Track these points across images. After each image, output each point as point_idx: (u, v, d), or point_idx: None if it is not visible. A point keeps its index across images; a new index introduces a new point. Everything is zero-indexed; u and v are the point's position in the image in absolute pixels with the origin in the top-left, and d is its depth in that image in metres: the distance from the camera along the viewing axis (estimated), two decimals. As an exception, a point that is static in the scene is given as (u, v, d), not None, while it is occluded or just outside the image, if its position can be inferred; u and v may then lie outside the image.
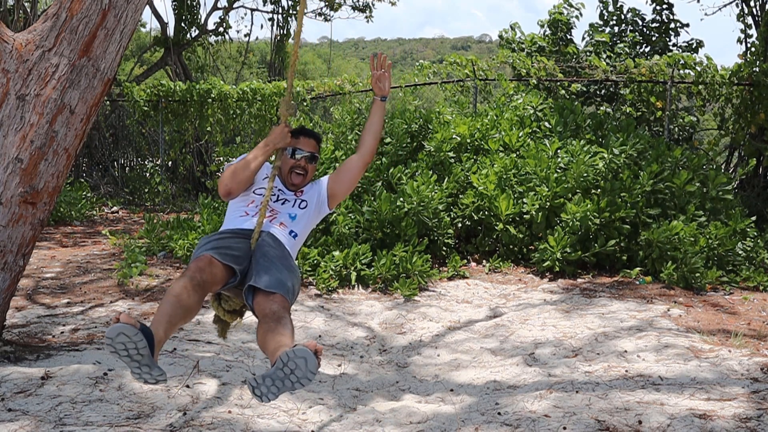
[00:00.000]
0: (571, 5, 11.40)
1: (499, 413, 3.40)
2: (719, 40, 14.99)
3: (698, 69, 9.15)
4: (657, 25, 11.04)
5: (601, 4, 11.40)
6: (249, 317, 5.07)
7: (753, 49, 9.50)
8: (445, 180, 7.42)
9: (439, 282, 6.53)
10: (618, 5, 11.29)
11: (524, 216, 7.09)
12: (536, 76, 10.04)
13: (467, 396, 3.75)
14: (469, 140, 7.94)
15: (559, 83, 10.26)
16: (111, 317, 2.74)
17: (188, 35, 15.95)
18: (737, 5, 10.23)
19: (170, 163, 13.67)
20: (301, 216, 3.09)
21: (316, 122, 10.93)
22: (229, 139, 13.91)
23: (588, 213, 6.59)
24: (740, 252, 6.48)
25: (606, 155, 7.08)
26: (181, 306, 2.48)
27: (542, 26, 11.49)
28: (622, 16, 11.24)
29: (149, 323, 2.37)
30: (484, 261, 7.28)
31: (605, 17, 11.37)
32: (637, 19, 11.20)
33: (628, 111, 9.94)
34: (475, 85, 10.34)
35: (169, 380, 3.72)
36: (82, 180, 12.85)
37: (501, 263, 7.03)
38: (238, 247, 2.81)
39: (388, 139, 7.85)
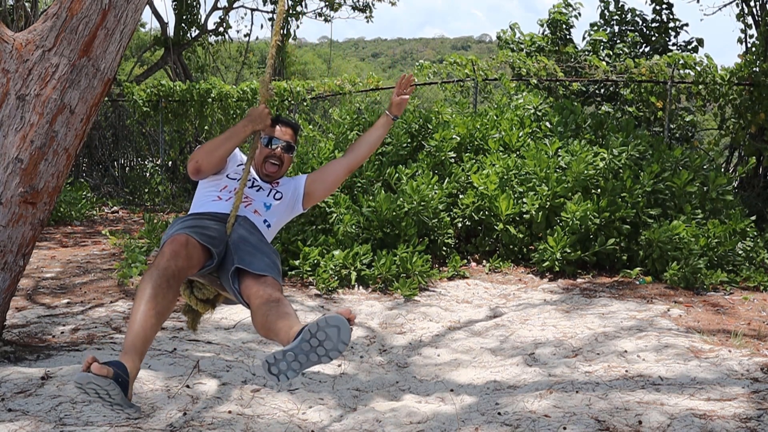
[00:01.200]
0: (570, 5, 11.41)
1: (499, 413, 3.40)
2: (719, 40, 14.99)
3: (698, 69, 9.15)
4: (657, 25, 11.04)
5: (602, 4, 11.41)
6: (245, 317, 5.07)
7: (753, 49, 9.50)
8: (445, 180, 7.42)
9: (439, 282, 6.53)
10: (619, 5, 11.30)
11: (524, 216, 7.09)
12: (536, 76, 10.04)
13: (467, 396, 3.75)
14: (469, 140, 7.94)
15: (559, 83, 10.26)
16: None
17: (188, 35, 15.96)
18: (737, 5, 10.23)
19: (170, 163, 13.67)
20: (276, 207, 2.97)
21: (317, 121, 10.93)
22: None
23: (588, 213, 6.59)
24: (740, 252, 6.48)
25: (606, 155, 7.08)
26: (157, 313, 2.32)
27: (542, 26, 11.49)
28: (623, 16, 11.24)
29: (120, 352, 2.24)
30: (484, 261, 7.28)
31: (606, 17, 11.37)
32: (637, 18, 11.20)
33: (628, 111, 9.94)
34: (475, 85, 10.35)
35: (169, 380, 3.72)
36: (82, 180, 12.86)
37: (501, 263, 7.03)
38: (214, 228, 2.65)
39: (388, 139, 7.85)
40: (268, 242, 2.81)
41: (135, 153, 14.54)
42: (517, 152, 7.69)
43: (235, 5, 16.70)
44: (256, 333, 4.81)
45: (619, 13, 11.27)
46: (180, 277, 2.45)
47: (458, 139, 7.86)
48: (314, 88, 12.43)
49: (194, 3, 15.82)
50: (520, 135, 7.79)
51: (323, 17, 17.07)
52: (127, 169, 14.50)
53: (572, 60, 10.60)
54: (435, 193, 6.95)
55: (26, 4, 12.58)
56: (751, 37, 9.95)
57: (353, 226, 6.72)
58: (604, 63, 9.94)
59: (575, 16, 11.42)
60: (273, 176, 3.00)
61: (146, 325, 2.28)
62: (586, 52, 10.85)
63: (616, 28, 11.31)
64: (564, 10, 11.33)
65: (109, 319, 5.03)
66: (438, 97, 12.38)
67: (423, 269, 6.34)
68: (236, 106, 12.78)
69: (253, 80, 14.77)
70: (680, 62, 9.23)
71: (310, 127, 10.10)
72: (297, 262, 6.42)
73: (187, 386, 3.65)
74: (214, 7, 16.54)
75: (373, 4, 16.78)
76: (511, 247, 7.15)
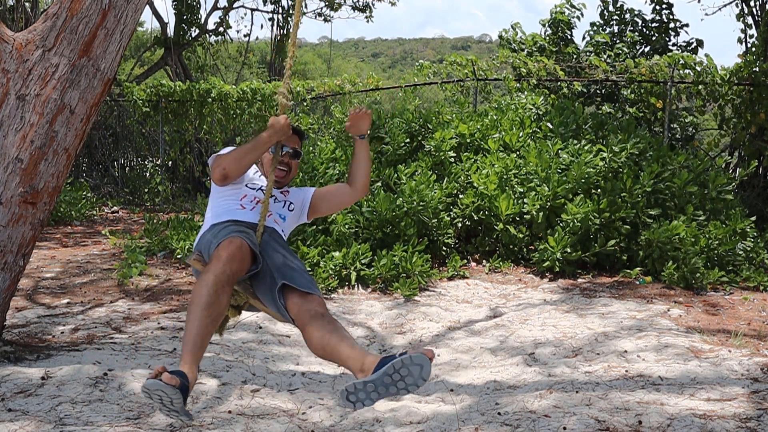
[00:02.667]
0: (572, 6, 11.41)
1: (499, 413, 3.40)
2: (719, 40, 14.99)
3: (698, 69, 9.15)
4: (657, 25, 11.05)
5: (602, 4, 11.41)
6: (245, 317, 5.08)
7: (753, 49, 9.50)
8: (445, 180, 7.42)
9: (439, 282, 6.53)
10: (618, 5, 11.30)
11: (524, 216, 7.09)
12: (537, 76, 10.04)
13: (467, 396, 3.75)
14: (469, 140, 7.94)
15: (559, 83, 10.26)
16: (152, 370, 2.67)
17: (188, 35, 15.96)
18: (737, 5, 10.24)
19: (170, 163, 13.67)
20: (289, 218, 3.06)
21: (317, 120, 10.93)
22: (229, 139, 13.91)
23: (588, 213, 6.59)
24: (740, 252, 6.48)
25: (606, 154, 7.08)
26: (213, 320, 2.42)
27: (543, 26, 11.49)
28: (623, 16, 11.25)
29: (180, 360, 2.36)
30: (484, 261, 7.28)
31: (606, 17, 11.38)
32: (637, 18, 11.21)
33: (629, 111, 9.95)
34: (475, 86, 10.35)
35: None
36: (82, 180, 12.85)
37: (501, 263, 7.03)
38: (254, 235, 2.72)
39: (388, 139, 7.86)
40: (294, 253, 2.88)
41: (135, 153, 14.54)
42: (518, 152, 7.69)
43: (235, 5, 16.70)
44: (256, 333, 4.82)
45: (618, 13, 11.27)
46: (234, 281, 2.51)
47: (458, 139, 7.86)
48: (314, 88, 12.43)
49: (194, 3, 15.83)
50: (521, 135, 7.79)
51: (323, 17, 17.08)
52: (127, 169, 14.50)
53: (573, 60, 10.61)
54: (434, 193, 6.95)
55: (26, 4, 12.58)
56: (751, 37, 9.95)
57: (346, 226, 6.72)
58: (604, 63, 9.94)
59: (577, 17, 11.43)
60: (281, 182, 3.05)
61: (204, 332, 2.38)
62: (587, 53, 10.86)
63: (616, 28, 11.32)
64: (566, 10, 11.33)
65: (109, 319, 5.03)
66: (438, 97, 12.38)
67: (423, 269, 6.34)
68: (236, 106, 12.78)
69: (253, 80, 14.76)
70: (680, 62, 9.23)
71: (310, 120, 10.10)
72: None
73: (187, 386, 3.65)
74: (214, 7, 16.54)
75: (373, 4, 16.79)
76: (511, 247, 7.14)
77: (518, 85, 9.74)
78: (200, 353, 2.38)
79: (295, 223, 3.12)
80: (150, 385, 2.18)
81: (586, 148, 7.16)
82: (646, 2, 11.06)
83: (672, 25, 10.97)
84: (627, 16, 11.23)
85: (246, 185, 3.02)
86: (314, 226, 6.91)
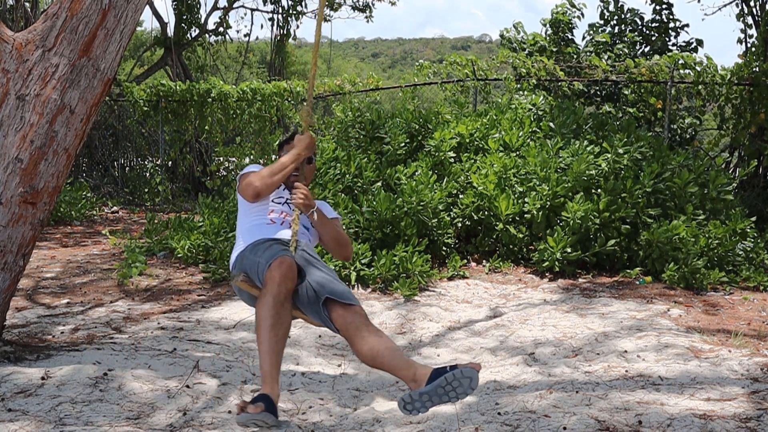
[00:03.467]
0: (573, 5, 11.41)
1: (499, 413, 3.40)
2: (719, 40, 14.99)
3: (698, 69, 9.15)
4: (657, 25, 11.05)
5: (602, 4, 11.41)
6: (245, 317, 5.08)
7: (753, 49, 9.50)
8: (445, 180, 7.42)
9: (439, 282, 6.53)
10: (619, 5, 11.30)
11: (524, 216, 7.09)
12: (536, 76, 10.04)
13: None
14: (469, 140, 7.94)
15: (559, 83, 10.26)
16: (236, 406, 3.08)
17: (188, 35, 15.95)
18: (737, 5, 10.24)
19: (170, 163, 13.67)
20: (312, 229, 3.26)
21: (317, 120, 10.93)
22: (229, 139, 13.91)
23: (588, 213, 6.59)
24: (740, 252, 6.48)
25: (610, 155, 7.08)
26: (280, 338, 2.63)
27: (544, 26, 11.49)
28: (623, 16, 11.24)
29: (261, 382, 2.61)
30: (484, 261, 7.28)
31: (606, 17, 11.38)
32: (636, 19, 11.20)
33: (629, 111, 9.95)
34: (475, 86, 10.35)
35: (169, 380, 3.72)
36: (82, 180, 12.85)
37: (501, 263, 7.03)
38: (290, 251, 2.89)
39: (388, 139, 7.86)
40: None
41: (135, 153, 14.53)
42: (517, 152, 7.69)
43: (235, 5, 16.70)
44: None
45: (618, 13, 11.27)
46: (290, 298, 2.71)
47: (458, 139, 7.86)
48: (314, 88, 12.43)
49: (194, 3, 15.82)
50: (520, 135, 7.79)
51: (323, 17, 17.06)
52: (127, 169, 14.49)
53: (573, 60, 10.61)
54: (435, 193, 6.95)
55: (26, 4, 12.58)
56: (751, 37, 9.95)
57: (349, 227, 6.72)
58: (604, 63, 9.94)
59: (578, 17, 11.42)
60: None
61: (275, 350, 2.62)
62: (587, 53, 10.86)
63: (616, 29, 11.32)
64: (567, 10, 11.33)
65: (109, 319, 5.03)
66: (438, 97, 12.39)
67: (423, 269, 6.34)
68: (236, 106, 12.78)
69: (253, 80, 14.76)
70: (680, 62, 9.23)
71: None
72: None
73: (187, 386, 3.65)
74: (214, 7, 16.54)
75: (373, 4, 16.79)
76: (511, 247, 7.14)
77: (518, 85, 9.73)
78: (277, 370, 2.61)
79: (315, 233, 3.28)
80: (242, 419, 2.43)
81: (588, 148, 7.16)
82: (646, 2, 11.06)
83: (672, 25, 10.97)
84: (627, 15, 11.23)
85: (272, 200, 3.19)
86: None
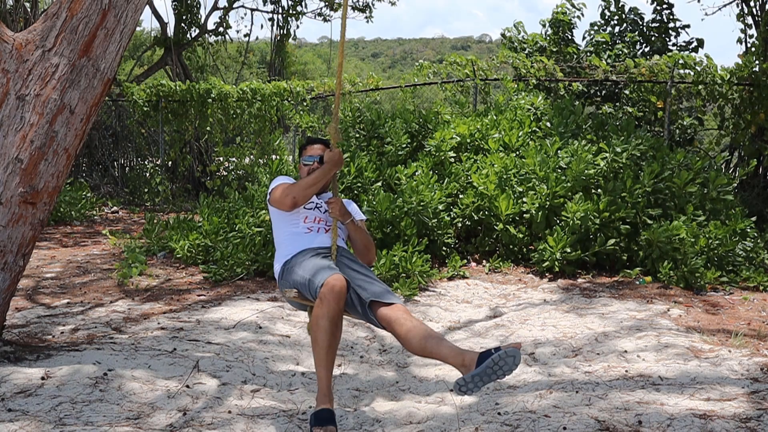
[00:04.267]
0: (573, 6, 11.41)
1: (499, 413, 3.40)
2: (719, 40, 14.99)
3: (698, 69, 9.15)
4: (657, 25, 11.04)
5: (602, 3, 11.40)
6: (245, 317, 5.08)
7: (753, 49, 9.50)
8: (445, 180, 7.42)
9: (439, 282, 6.53)
10: (620, 5, 11.29)
11: (524, 216, 7.09)
12: (536, 76, 10.04)
13: (467, 396, 3.75)
14: (469, 140, 7.94)
15: (559, 83, 10.26)
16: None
17: (188, 35, 15.96)
18: (737, 5, 10.23)
19: (170, 163, 13.67)
20: (343, 229, 3.49)
21: (317, 120, 10.94)
22: (229, 139, 13.90)
23: (588, 213, 6.59)
24: (740, 252, 6.48)
25: (608, 154, 7.08)
26: (334, 350, 2.96)
27: (544, 26, 11.49)
28: (623, 16, 11.24)
29: (318, 394, 3.00)
30: (484, 261, 7.28)
31: (606, 17, 11.37)
32: (637, 19, 11.20)
33: (629, 111, 9.94)
34: (475, 85, 10.35)
35: (169, 380, 3.72)
36: (82, 180, 12.85)
37: (501, 263, 7.03)
38: (334, 265, 3.16)
39: (388, 139, 7.86)
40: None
41: (135, 153, 14.53)
42: (517, 152, 7.69)
43: (235, 5, 16.70)
44: (256, 333, 4.82)
45: (619, 12, 11.26)
46: (342, 312, 2.97)
47: (458, 139, 7.86)
48: (314, 88, 12.43)
49: (194, 3, 15.83)
50: (520, 135, 7.79)
51: (323, 17, 17.06)
52: (127, 169, 14.49)
53: (573, 60, 10.60)
54: (435, 193, 6.95)
55: (26, 4, 12.59)
56: (751, 37, 9.94)
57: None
58: (604, 63, 9.94)
59: (578, 17, 11.42)
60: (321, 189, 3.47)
61: (331, 365, 2.96)
62: (588, 53, 10.85)
63: (616, 28, 11.31)
64: (567, 10, 11.32)
65: (109, 319, 5.03)
66: (438, 97, 12.39)
67: (423, 269, 6.34)
68: (236, 106, 12.78)
69: (253, 80, 14.76)
70: (680, 62, 9.22)
71: (311, 121, 10.11)
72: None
73: (187, 386, 3.65)
74: (214, 7, 16.54)
75: (373, 4, 16.78)
76: (511, 247, 7.15)
77: (515, 85, 9.72)
78: (331, 380, 2.98)
79: (346, 230, 3.49)
80: None
81: (586, 148, 7.16)
82: (647, 2, 11.06)
83: (672, 25, 10.96)
84: (629, 15, 11.22)
85: (303, 207, 3.44)
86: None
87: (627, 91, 10.04)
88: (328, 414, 2.92)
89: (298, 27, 19.36)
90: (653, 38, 10.97)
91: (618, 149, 7.06)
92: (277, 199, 3.33)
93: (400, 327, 2.96)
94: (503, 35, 11.67)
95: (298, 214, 3.41)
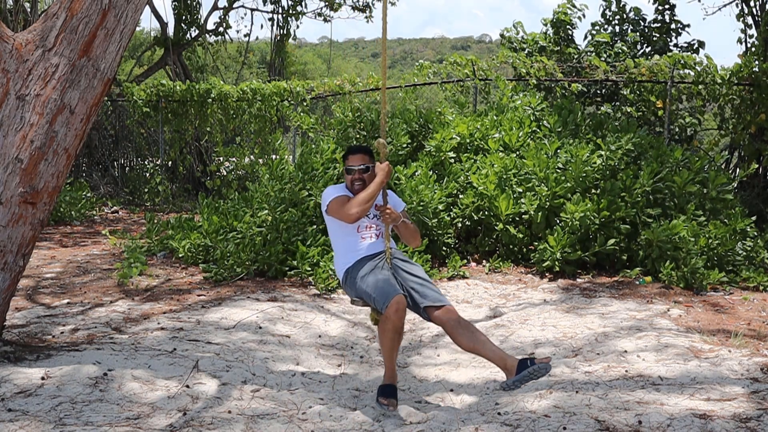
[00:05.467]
0: (574, 6, 11.40)
1: (499, 413, 3.40)
2: (719, 40, 15.00)
3: (698, 69, 9.14)
4: (658, 25, 11.04)
5: (604, 3, 11.40)
6: (244, 317, 5.08)
7: (753, 49, 9.50)
8: (445, 180, 7.42)
9: (439, 282, 6.53)
10: (621, 5, 11.29)
11: (524, 216, 7.09)
12: (536, 76, 10.04)
13: (467, 396, 3.75)
14: (469, 140, 7.94)
15: (559, 83, 10.26)
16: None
17: (188, 35, 15.95)
18: (737, 5, 10.23)
19: (170, 163, 13.67)
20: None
21: (317, 120, 10.93)
22: (229, 139, 13.90)
23: (588, 213, 6.59)
24: (740, 252, 6.48)
25: (603, 152, 7.08)
26: (398, 346, 3.61)
27: (545, 25, 11.48)
28: (624, 15, 11.23)
29: (385, 375, 3.67)
30: (484, 261, 7.28)
31: (608, 16, 11.37)
32: (638, 19, 11.19)
33: (628, 111, 9.94)
34: (475, 85, 10.35)
35: (169, 380, 3.72)
36: (82, 180, 12.85)
37: (501, 263, 7.02)
38: (390, 273, 3.65)
39: (389, 139, 7.85)
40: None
41: (135, 153, 14.53)
42: (517, 152, 7.68)
43: (235, 5, 16.69)
44: (256, 333, 4.82)
45: (620, 12, 11.26)
46: (403, 323, 3.53)
47: (458, 139, 7.85)
48: (314, 88, 12.43)
49: (194, 3, 15.82)
50: (520, 135, 7.79)
51: (323, 17, 17.06)
52: (127, 169, 14.49)
53: (573, 60, 10.60)
54: (435, 193, 6.95)
55: (26, 4, 12.59)
56: (751, 37, 9.94)
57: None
58: (604, 63, 9.94)
59: (579, 18, 11.41)
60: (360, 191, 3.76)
61: (395, 357, 3.64)
62: (588, 53, 10.85)
63: (617, 28, 11.31)
64: (569, 11, 11.32)
65: (109, 319, 5.03)
66: (438, 97, 12.38)
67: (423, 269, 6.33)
68: (236, 106, 12.78)
69: (253, 80, 14.75)
70: (680, 62, 9.22)
71: (312, 121, 10.11)
72: (296, 262, 6.42)
73: (187, 386, 3.65)
74: (214, 7, 16.53)
75: (373, 4, 16.76)
76: (511, 247, 7.14)
77: (507, 83, 9.70)
78: (395, 366, 3.66)
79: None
80: (381, 406, 3.47)
81: (583, 146, 7.15)
82: (649, 1, 11.06)
83: (673, 25, 10.96)
84: (631, 14, 11.21)
85: None
86: (314, 226, 6.91)
87: (626, 91, 10.03)
88: (393, 389, 3.54)
89: (298, 27, 19.37)
90: (655, 38, 10.97)
91: (612, 147, 7.07)
92: (340, 213, 3.68)
93: (452, 329, 3.50)
94: (502, 36, 11.66)
95: (354, 223, 3.75)
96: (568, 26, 11.25)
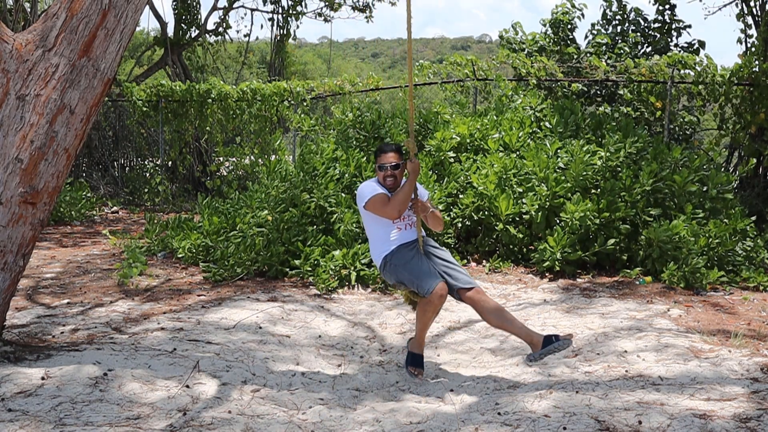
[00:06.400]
0: (574, 6, 11.39)
1: (499, 413, 3.40)
2: (719, 40, 15.00)
3: (698, 69, 9.14)
4: (659, 25, 11.04)
5: (605, 3, 11.39)
6: (244, 317, 5.08)
7: (753, 49, 9.49)
8: (445, 180, 7.42)
9: (439, 282, 6.52)
10: (622, 5, 11.28)
11: (524, 216, 7.09)
12: (536, 76, 10.04)
13: (467, 396, 3.75)
14: (469, 140, 7.94)
15: (559, 83, 10.26)
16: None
17: (188, 35, 15.95)
18: (737, 5, 10.23)
19: (170, 163, 13.66)
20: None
21: (317, 120, 10.94)
22: (229, 139, 13.90)
23: (588, 213, 6.59)
24: (740, 252, 6.47)
25: (603, 154, 7.08)
26: (429, 327, 4.18)
27: (544, 26, 11.48)
28: (626, 16, 11.23)
29: (417, 348, 4.17)
30: (484, 261, 7.28)
31: (608, 17, 11.36)
32: (639, 19, 11.19)
33: (627, 111, 9.94)
34: (474, 85, 10.35)
35: (169, 380, 3.72)
36: (82, 180, 12.85)
37: (501, 263, 7.02)
38: (427, 261, 4.02)
39: (388, 139, 7.85)
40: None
41: (135, 153, 14.53)
42: (517, 152, 7.68)
43: (235, 5, 16.70)
44: (256, 333, 4.82)
45: (621, 13, 11.25)
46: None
47: (458, 139, 7.85)
48: (314, 88, 12.43)
49: (194, 3, 15.82)
50: (520, 135, 7.78)
51: (323, 17, 17.06)
52: (127, 169, 14.49)
53: (573, 60, 10.59)
54: (435, 193, 6.94)
55: (26, 4, 12.59)
56: (751, 37, 9.94)
57: (354, 224, 6.72)
58: (604, 63, 9.94)
59: (578, 17, 11.41)
60: (393, 187, 4.09)
61: (427, 331, 4.19)
62: (588, 53, 10.84)
63: (618, 28, 11.30)
64: (567, 10, 11.31)
65: (109, 319, 5.03)
66: (438, 97, 12.38)
67: (423, 269, 6.33)
68: (236, 106, 12.77)
69: (253, 80, 14.75)
70: (680, 62, 9.22)
71: (312, 122, 10.11)
72: (297, 262, 6.42)
73: (187, 386, 3.65)
74: (214, 7, 16.54)
75: (373, 4, 16.77)
76: (511, 247, 7.14)
77: (507, 83, 9.70)
78: (425, 338, 4.19)
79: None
80: (411, 376, 4.08)
81: (584, 148, 7.16)
82: (649, 2, 11.05)
83: (674, 25, 10.96)
84: (632, 15, 11.20)
85: None
86: (315, 226, 6.91)
87: (624, 91, 10.03)
88: (421, 359, 4.10)
89: (298, 27, 19.38)
90: (656, 38, 10.97)
91: (612, 148, 7.07)
92: (383, 212, 4.02)
93: (481, 308, 3.91)
94: (501, 37, 11.66)
95: None
96: (567, 26, 11.25)
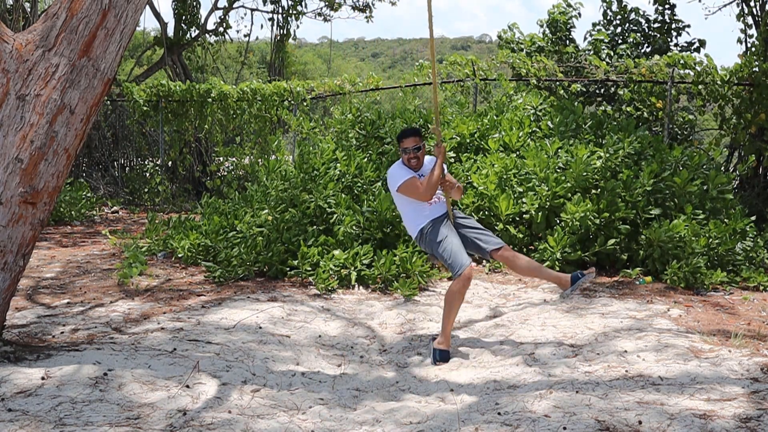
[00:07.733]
0: (570, 5, 11.39)
1: (499, 413, 3.40)
2: (719, 40, 14.99)
3: (698, 69, 9.14)
4: (659, 25, 11.03)
5: (604, 4, 11.39)
6: (244, 317, 5.08)
7: (753, 49, 9.49)
8: (445, 180, 7.41)
9: (439, 282, 6.53)
10: (622, 5, 11.28)
11: (524, 216, 7.09)
12: (536, 76, 10.03)
13: (467, 396, 3.75)
14: (469, 140, 7.94)
15: (559, 83, 10.25)
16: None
17: (188, 35, 15.95)
18: (737, 5, 10.22)
19: (170, 163, 13.67)
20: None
21: (317, 120, 10.94)
22: (229, 139, 13.90)
23: (588, 213, 6.59)
24: (740, 252, 6.47)
25: (603, 154, 7.08)
26: (456, 314, 4.55)
27: (541, 26, 11.48)
28: (626, 16, 11.23)
29: (443, 339, 4.50)
30: (484, 261, 7.28)
31: (608, 16, 11.36)
32: (639, 19, 11.19)
33: (627, 111, 9.94)
34: (475, 85, 10.35)
35: (169, 380, 3.72)
36: (82, 180, 12.85)
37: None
38: (455, 233, 4.54)
39: (388, 139, 7.85)
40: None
41: (135, 153, 14.53)
42: (517, 152, 7.68)
43: (235, 5, 16.70)
44: (256, 333, 4.82)
45: (621, 13, 11.25)
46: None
47: (458, 139, 7.85)
48: (314, 88, 12.43)
49: (194, 3, 15.83)
50: (520, 135, 7.78)
51: (323, 17, 17.07)
52: (127, 169, 14.49)
53: (573, 60, 10.59)
54: (435, 193, 6.94)
55: (26, 4, 12.59)
56: (751, 37, 9.94)
57: (353, 226, 6.72)
58: (604, 63, 9.94)
59: (575, 17, 11.41)
60: (417, 168, 4.57)
61: (454, 320, 4.54)
62: (587, 52, 10.84)
63: (618, 29, 11.30)
64: (564, 10, 11.31)
65: (109, 319, 5.03)
66: (438, 97, 12.35)
67: (423, 269, 6.34)
68: (236, 106, 12.77)
69: (253, 80, 14.75)
70: (680, 62, 9.22)
71: (312, 123, 10.12)
72: (297, 262, 6.42)
73: (187, 386, 3.65)
74: (214, 7, 16.54)
75: (373, 4, 16.77)
76: (511, 247, 7.13)
77: (514, 85, 9.71)
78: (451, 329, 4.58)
79: None
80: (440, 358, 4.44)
81: (584, 149, 7.15)
82: (649, 2, 11.06)
83: (674, 25, 10.96)
84: (631, 15, 11.20)
85: None
86: (315, 226, 6.91)
87: (624, 91, 10.03)
88: (449, 355, 4.44)
89: (298, 27, 19.39)
90: (656, 38, 10.96)
91: (611, 149, 7.07)
92: (417, 195, 4.49)
93: (512, 262, 4.59)
94: (500, 37, 11.66)
95: None
96: (565, 26, 11.25)
